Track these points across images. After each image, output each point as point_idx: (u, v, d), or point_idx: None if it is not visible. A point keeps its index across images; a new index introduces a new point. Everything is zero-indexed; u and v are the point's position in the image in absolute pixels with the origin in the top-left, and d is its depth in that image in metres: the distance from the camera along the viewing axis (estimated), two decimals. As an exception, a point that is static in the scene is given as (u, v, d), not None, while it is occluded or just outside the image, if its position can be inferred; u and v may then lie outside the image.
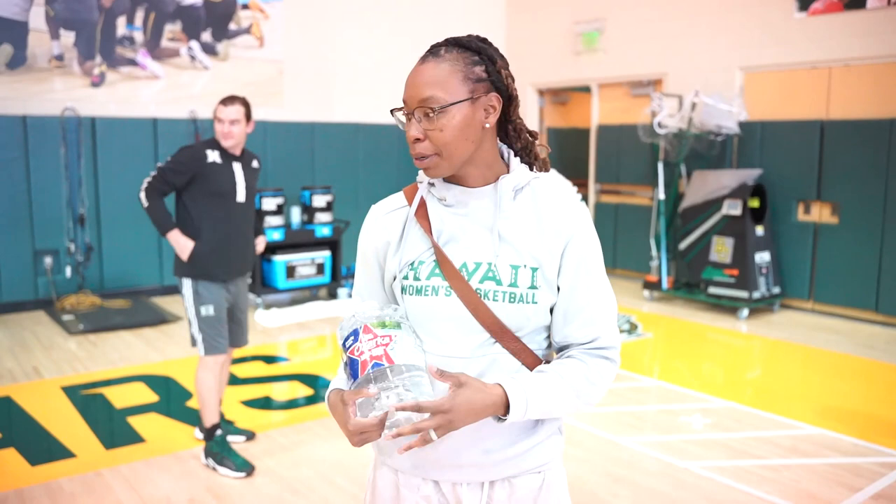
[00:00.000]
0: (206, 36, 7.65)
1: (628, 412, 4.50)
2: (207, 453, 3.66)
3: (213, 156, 3.64)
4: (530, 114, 9.80)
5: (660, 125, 7.29)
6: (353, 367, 1.28)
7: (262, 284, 7.17)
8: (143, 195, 3.64)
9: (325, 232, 7.47)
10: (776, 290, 7.17)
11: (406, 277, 1.42)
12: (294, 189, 7.81)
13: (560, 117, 10.36)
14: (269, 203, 7.19)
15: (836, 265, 6.97)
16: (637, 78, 8.61)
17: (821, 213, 7.08)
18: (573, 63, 9.14)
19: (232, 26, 7.79)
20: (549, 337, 1.47)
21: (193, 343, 3.69)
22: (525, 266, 1.39)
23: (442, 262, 1.39)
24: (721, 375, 5.40)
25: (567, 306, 1.42)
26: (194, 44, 7.58)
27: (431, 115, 1.34)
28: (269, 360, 5.57)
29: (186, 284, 3.66)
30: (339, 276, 7.52)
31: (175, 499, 3.34)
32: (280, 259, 7.14)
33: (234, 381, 5.00)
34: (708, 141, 7.50)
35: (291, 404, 4.72)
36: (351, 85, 8.59)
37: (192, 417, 4.29)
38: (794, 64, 7.21)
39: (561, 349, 1.48)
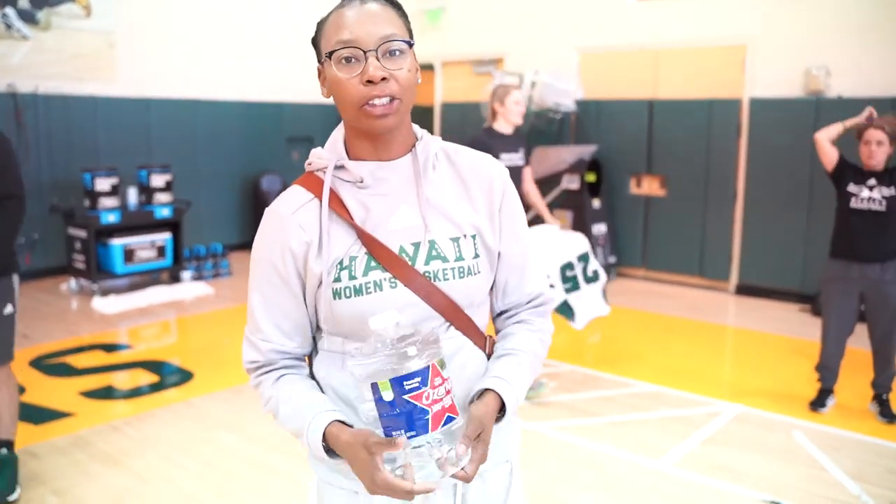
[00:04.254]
0: (24, 2, 7.05)
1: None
2: None
3: None
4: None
5: (502, 103, 7.48)
6: (414, 417, 1.02)
7: (99, 269, 6.75)
8: None
9: (165, 213, 7.14)
10: (612, 259, 7.60)
11: (338, 279, 1.23)
12: (130, 168, 7.39)
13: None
14: (103, 183, 6.77)
15: (665, 235, 7.49)
16: (479, 57, 8.79)
17: (651, 186, 7.57)
18: (417, 41, 9.16)
19: (53, -7, 7.22)
20: (488, 307, 1.41)
21: None
22: (465, 236, 1.29)
23: (377, 252, 1.23)
24: (564, 342, 5.67)
25: (510, 270, 1.37)
26: (10, 10, 6.96)
27: (397, 53, 1.21)
28: (109, 348, 5.28)
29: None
30: (181, 259, 7.22)
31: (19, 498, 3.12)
32: (117, 242, 6.75)
33: (70, 372, 4.72)
34: (547, 118, 7.80)
35: (135, 393, 4.49)
36: (189, 59, 8.20)
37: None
38: (625, 46, 7.62)
39: (501, 312, 1.42)
